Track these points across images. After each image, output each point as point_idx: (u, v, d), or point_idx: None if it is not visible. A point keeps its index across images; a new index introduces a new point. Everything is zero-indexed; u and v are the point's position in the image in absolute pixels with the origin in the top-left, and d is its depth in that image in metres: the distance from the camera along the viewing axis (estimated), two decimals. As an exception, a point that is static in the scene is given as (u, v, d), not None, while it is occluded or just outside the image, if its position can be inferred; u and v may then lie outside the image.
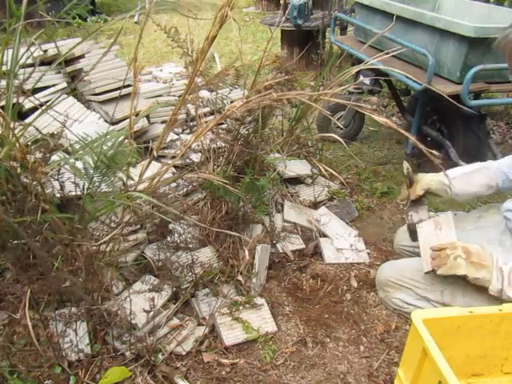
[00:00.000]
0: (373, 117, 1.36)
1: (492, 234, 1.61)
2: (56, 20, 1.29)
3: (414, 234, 1.63)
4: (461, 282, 1.51)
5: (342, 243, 2.06)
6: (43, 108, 1.39)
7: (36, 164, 1.22)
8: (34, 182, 1.28)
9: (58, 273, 1.30)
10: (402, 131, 1.35)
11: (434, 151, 1.31)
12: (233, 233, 1.49)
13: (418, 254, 1.66)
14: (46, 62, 2.12)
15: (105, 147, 1.39)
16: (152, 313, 1.54)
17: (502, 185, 1.62)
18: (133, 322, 1.51)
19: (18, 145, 1.19)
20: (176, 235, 1.84)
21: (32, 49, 1.40)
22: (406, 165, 1.65)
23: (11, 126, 1.25)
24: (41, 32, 1.29)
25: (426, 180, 1.62)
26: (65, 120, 1.66)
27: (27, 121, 1.91)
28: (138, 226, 1.79)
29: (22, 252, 1.38)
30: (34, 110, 1.92)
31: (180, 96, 1.49)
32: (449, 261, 1.43)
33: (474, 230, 1.67)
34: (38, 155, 1.37)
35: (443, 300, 1.53)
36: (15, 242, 1.32)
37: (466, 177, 1.61)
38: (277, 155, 2.24)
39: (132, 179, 1.51)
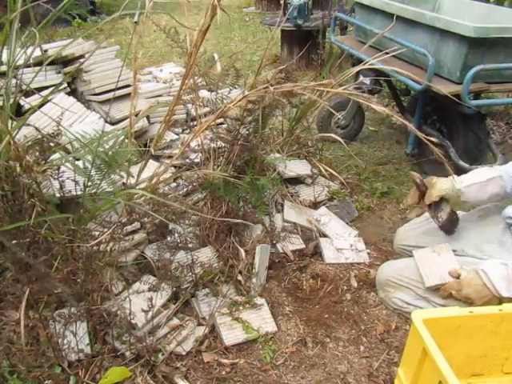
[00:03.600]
0: (370, 105, 1.35)
1: (492, 234, 1.62)
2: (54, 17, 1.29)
3: (450, 229, 1.65)
4: None
5: (342, 243, 2.06)
6: (41, 107, 1.39)
7: (31, 163, 1.22)
8: (29, 181, 1.27)
9: (49, 279, 1.30)
10: (397, 117, 1.35)
11: (436, 149, 1.32)
12: (235, 220, 1.48)
13: None
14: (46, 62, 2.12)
15: (105, 146, 1.39)
16: (151, 313, 1.54)
17: (510, 191, 1.62)
18: (132, 321, 1.51)
19: (12, 143, 1.18)
20: (176, 235, 1.84)
21: (31, 48, 1.39)
22: (415, 174, 1.67)
23: (8, 124, 1.24)
24: (40, 27, 1.28)
25: (441, 186, 1.63)
26: (59, 118, 1.65)
27: (27, 121, 1.91)
28: (138, 226, 1.79)
29: (20, 252, 1.38)
30: (34, 110, 1.92)
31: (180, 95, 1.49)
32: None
33: (473, 230, 1.67)
34: (35, 154, 1.37)
35: (443, 300, 1.53)
36: (14, 241, 1.32)
37: (481, 186, 1.61)
38: (277, 155, 2.24)
39: (132, 176, 1.51)
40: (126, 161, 1.40)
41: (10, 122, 1.31)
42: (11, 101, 1.33)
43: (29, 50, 1.36)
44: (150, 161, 1.84)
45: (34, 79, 1.57)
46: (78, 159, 1.45)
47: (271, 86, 1.46)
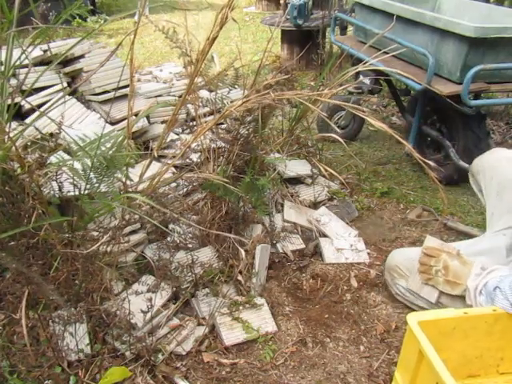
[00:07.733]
0: (369, 120, 1.37)
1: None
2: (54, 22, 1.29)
3: None
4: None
5: (342, 243, 2.06)
6: (42, 109, 1.39)
7: (33, 166, 1.22)
8: (32, 184, 1.27)
9: (42, 286, 1.30)
10: (397, 136, 1.36)
11: (430, 162, 1.35)
12: (231, 235, 1.48)
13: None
14: (45, 62, 2.12)
15: (104, 148, 1.39)
16: (151, 313, 1.54)
17: None
18: (132, 322, 1.51)
19: (14, 147, 1.18)
20: (176, 235, 1.84)
21: (30, 49, 1.39)
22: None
23: (6, 128, 1.24)
24: (37, 31, 1.28)
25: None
26: (60, 121, 1.65)
27: (26, 121, 1.91)
28: (138, 226, 1.79)
29: (20, 252, 1.38)
30: (34, 110, 1.92)
31: (180, 96, 1.49)
32: (431, 273, 1.54)
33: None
34: (36, 156, 1.37)
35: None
36: (13, 242, 1.31)
37: None
38: (277, 155, 2.24)
39: (131, 180, 1.51)
40: (125, 164, 1.40)
41: (8, 124, 1.31)
42: (9, 101, 1.32)
43: (30, 51, 1.36)
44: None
45: (33, 79, 1.57)
46: (76, 160, 1.44)
47: (271, 86, 1.46)
